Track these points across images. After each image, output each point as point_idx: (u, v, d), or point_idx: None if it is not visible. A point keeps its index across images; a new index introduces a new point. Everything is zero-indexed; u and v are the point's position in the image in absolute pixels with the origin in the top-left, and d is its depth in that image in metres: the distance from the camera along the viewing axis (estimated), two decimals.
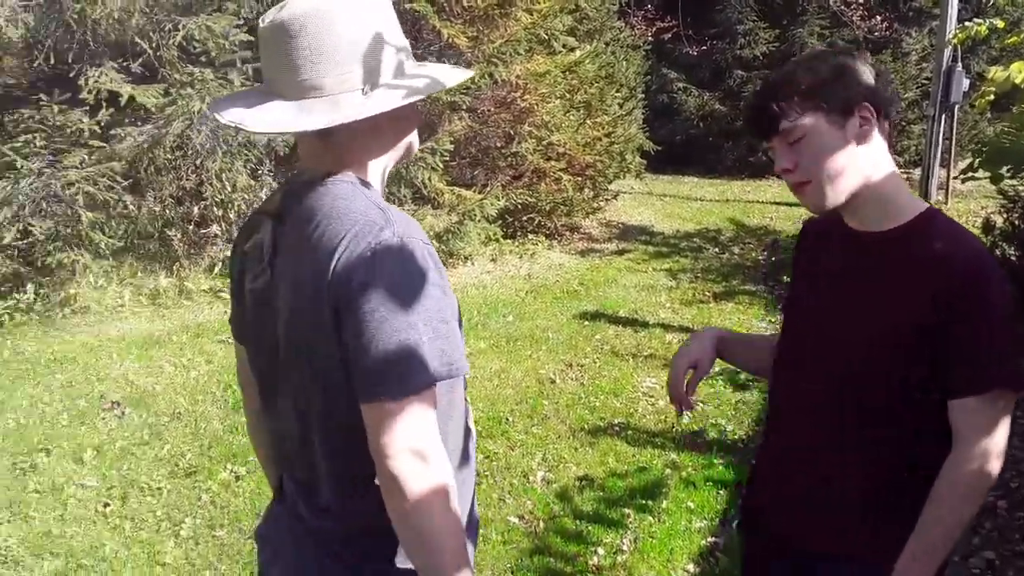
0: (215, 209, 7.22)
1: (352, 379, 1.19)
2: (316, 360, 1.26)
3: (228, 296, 5.95)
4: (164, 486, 3.85)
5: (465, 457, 1.43)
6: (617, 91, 10.59)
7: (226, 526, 3.54)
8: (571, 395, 4.93)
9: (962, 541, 1.48)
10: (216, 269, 7.09)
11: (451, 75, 1.38)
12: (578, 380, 5.18)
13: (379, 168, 1.37)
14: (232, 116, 1.31)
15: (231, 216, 7.30)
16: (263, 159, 7.38)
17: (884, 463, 1.52)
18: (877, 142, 1.48)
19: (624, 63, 11.15)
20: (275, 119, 1.32)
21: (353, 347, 1.18)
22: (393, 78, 1.32)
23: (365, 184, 1.31)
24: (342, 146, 1.32)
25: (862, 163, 1.47)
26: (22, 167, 6.00)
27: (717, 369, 5.17)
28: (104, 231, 6.63)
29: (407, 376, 1.15)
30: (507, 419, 4.57)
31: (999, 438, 1.42)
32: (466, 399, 1.47)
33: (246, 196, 7.27)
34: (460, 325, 1.40)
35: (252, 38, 7.00)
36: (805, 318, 1.65)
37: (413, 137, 1.41)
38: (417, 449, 1.16)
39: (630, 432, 4.42)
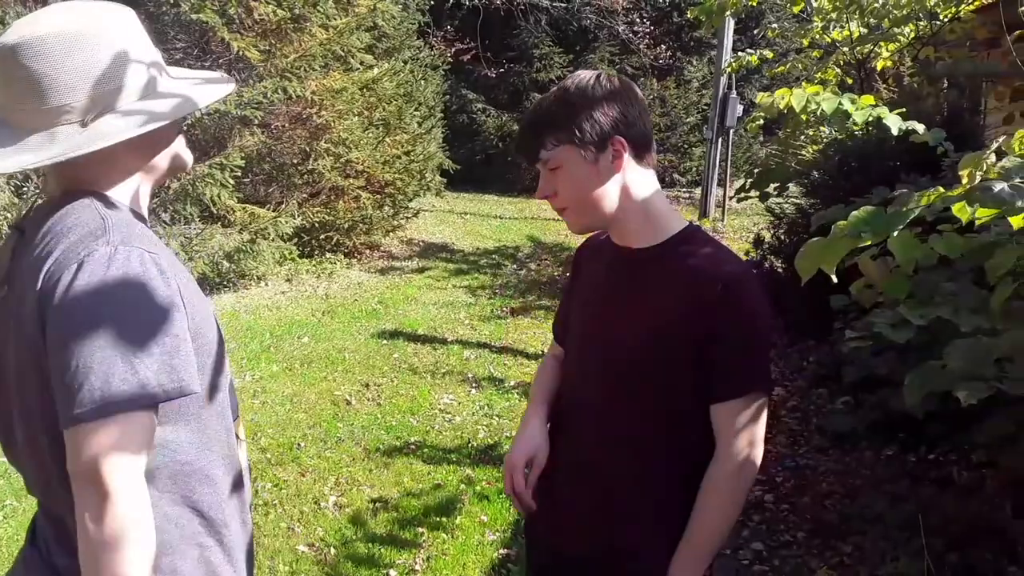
0: None
1: (60, 405, 1.07)
2: (40, 383, 1.14)
3: None
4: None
5: (236, 491, 1.33)
6: (416, 110, 10.64)
7: None
8: (367, 416, 4.83)
9: (731, 535, 1.55)
10: None
11: (205, 93, 1.30)
12: (375, 400, 5.09)
13: (129, 188, 1.27)
14: None
15: None
16: (29, 176, 6.78)
17: (656, 467, 1.56)
18: (631, 169, 1.53)
19: (423, 82, 11.22)
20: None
21: (54, 367, 1.07)
22: (135, 100, 1.23)
23: (106, 201, 1.21)
24: (75, 171, 1.23)
25: (616, 191, 1.53)
26: None
27: (512, 382, 5.27)
28: None
29: (105, 397, 1.04)
30: (299, 444, 4.41)
31: (757, 435, 1.51)
32: (237, 434, 1.37)
33: (8, 215, 6.64)
34: (220, 341, 1.31)
35: None
36: (579, 333, 1.69)
37: (172, 153, 1.31)
38: (102, 480, 1.04)
39: (426, 450, 4.38)
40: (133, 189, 1.28)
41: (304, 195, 8.78)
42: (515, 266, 9.04)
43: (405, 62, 10.69)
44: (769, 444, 1.55)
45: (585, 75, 1.54)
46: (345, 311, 7.12)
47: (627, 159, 1.52)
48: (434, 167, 10.88)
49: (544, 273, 8.68)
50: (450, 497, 3.86)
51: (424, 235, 10.61)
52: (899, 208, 1.53)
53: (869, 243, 1.52)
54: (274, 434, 4.52)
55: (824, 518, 3.57)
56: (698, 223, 1.65)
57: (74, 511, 1.14)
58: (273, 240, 7.74)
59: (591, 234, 1.81)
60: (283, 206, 8.36)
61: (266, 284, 7.93)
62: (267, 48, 7.96)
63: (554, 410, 1.74)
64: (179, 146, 1.33)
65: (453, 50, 13.91)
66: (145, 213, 1.31)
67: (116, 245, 1.11)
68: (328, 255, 8.88)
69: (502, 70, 14.46)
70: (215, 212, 7.71)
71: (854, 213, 1.52)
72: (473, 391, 5.25)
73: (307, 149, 8.58)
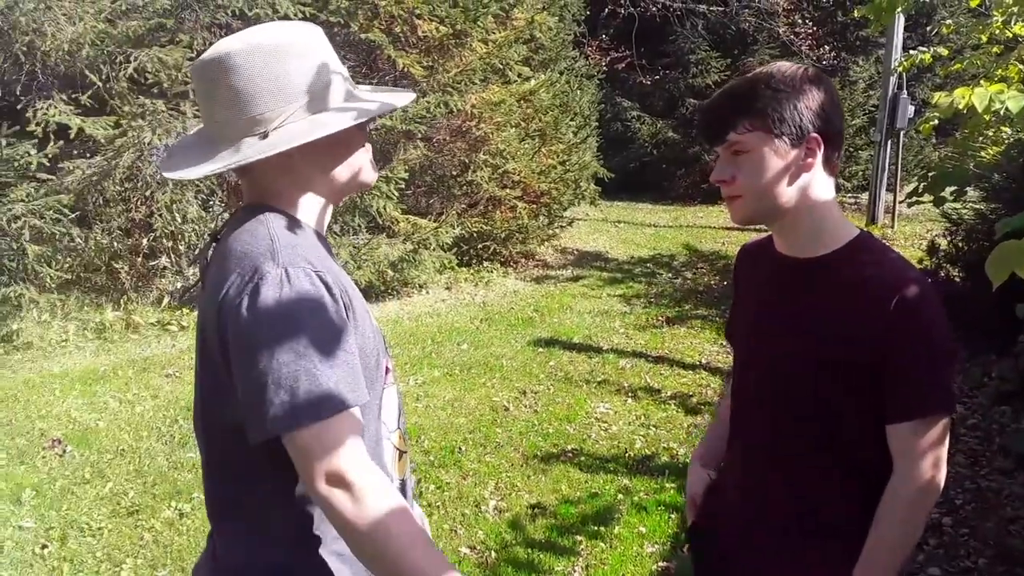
0: (164, 241, 7.13)
1: (250, 419, 1.16)
2: (209, 392, 1.27)
3: (176, 329, 5.82)
4: (105, 526, 3.76)
5: None
6: (571, 119, 10.71)
7: (168, 566, 3.46)
8: (524, 422, 4.91)
9: (908, 559, 1.49)
10: (164, 302, 7.00)
11: (383, 100, 1.37)
12: (532, 407, 5.17)
13: (307, 203, 1.35)
14: (179, 173, 1.33)
15: (180, 248, 7.23)
16: (215, 190, 7.32)
17: (828, 487, 1.53)
18: (818, 171, 1.48)
19: (578, 92, 11.27)
20: (175, 164, 1.33)
21: (245, 385, 1.17)
22: (319, 110, 1.30)
23: (286, 216, 1.30)
24: (259, 182, 1.33)
25: (797, 190, 1.47)
26: None
27: (669, 393, 5.22)
28: (51, 264, 6.52)
29: (312, 403, 1.13)
30: (460, 448, 4.54)
31: (938, 458, 1.44)
32: (397, 445, 1.43)
33: (196, 227, 7.20)
34: (386, 352, 1.39)
35: None
36: (743, 346, 1.67)
37: (353, 167, 1.37)
38: (338, 473, 1.13)
39: (583, 458, 4.41)
40: (311, 204, 1.35)
41: (463, 206, 9.03)
42: (670, 275, 8.94)
43: (561, 73, 10.80)
44: (948, 464, 1.48)
45: (789, 65, 1.50)
46: (502, 319, 7.27)
47: (818, 160, 1.47)
48: (589, 176, 10.91)
49: (700, 282, 8.54)
50: (607, 506, 3.87)
51: (579, 244, 10.66)
52: None
53: None
54: (436, 437, 4.68)
55: (1008, 544, 3.35)
56: (868, 231, 1.58)
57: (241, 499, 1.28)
58: (434, 250, 8.01)
59: (749, 242, 1.79)
60: (443, 216, 8.63)
61: (427, 292, 8.20)
62: (430, 64, 8.24)
63: (731, 422, 1.74)
64: (361, 160, 1.37)
65: (608, 59, 13.92)
66: (324, 228, 1.39)
67: (286, 266, 1.18)
68: (485, 264, 9.09)
69: (657, 77, 14.33)
70: (380, 223, 8.06)
71: None
72: (629, 400, 5.24)
73: (466, 161, 8.82)
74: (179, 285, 7.14)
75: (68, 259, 6.77)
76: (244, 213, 1.32)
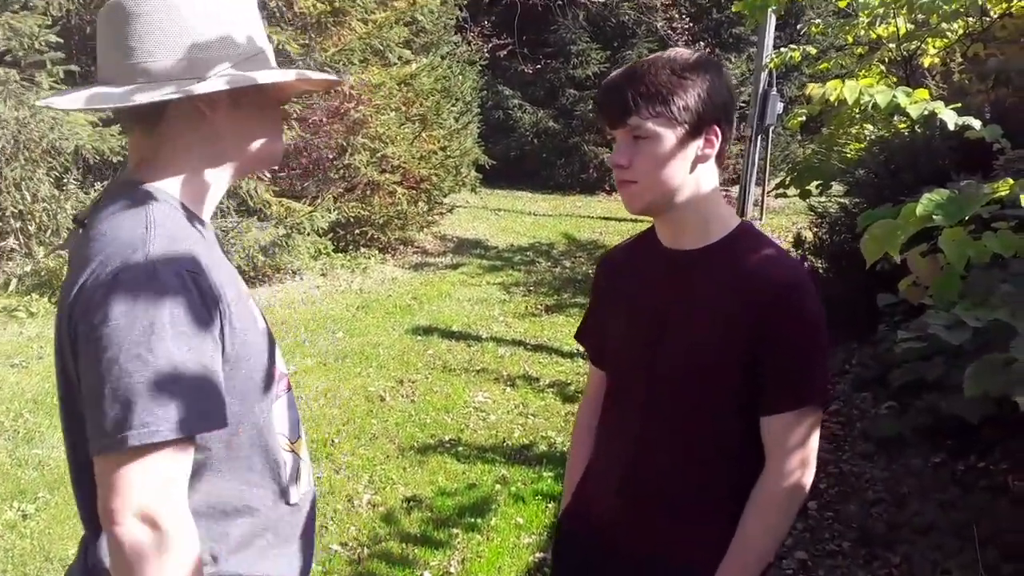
0: (12, 221, 6.61)
1: (89, 430, 1.02)
2: (68, 393, 1.10)
3: (24, 316, 5.39)
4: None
5: (287, 515, 1.27)
6: (453, 105, 10.59)
7: (9, 572, 3.17)
8: (401, 413, 4.79)
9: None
10: (12, 286, 6.49)
11: (309, 73, 1.25)
12: (409, 397, 5.05)
13: (210, 177, 1.20)
14: (48, 100, 1.17)
15: (30, 229, 6.72)
16: (69, 167, 6.84)
17: (704, 484, 1.50)
18: (710, 162, 1.45)
19: (460, 77, 11.16)
20: (79, 95, 1.16)
21: (85, 390, 1.03)
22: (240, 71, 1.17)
23: (170, 197, 1.15)
24: (162, 147, 1.17)
25: (692, 180, 1.43)
26: None
27: (547, 381, 5.20)
28: None
29: (139, 426, 0.98)
30: (332, 441, 4.38)
31: (810, 452, 1.43)
32: (295, 452, 1.29)
33: (48, 207, 6.72)
34: (271, 358, 1.25)
35: (62, 39, 6.51)
36: (620, 355, 1.61)
37: (272, 137, 1.25)
38: (146, 513, 0.99)
39: (461, 448, 4.33)
40: (208, 179, 1.21)
41: (340, 190, 8.77)
42: (549, 263, 8.96)
43: (443, 57, 10.65)
44: None
45: (689, 51, 1.44)
46: (379, 306, 7.10)
47: (715, 151, 1.43)
48: (470, 163, 10.82)
49: (579, 271, 8.59)
50: (485, 497, 3.80)
51: (458, 231, 10.57)
52: (971, 194, 1.45)
53: (939, 224, 1.43)
54: (308, 429, 4.49)
55: (871, 527, 3.46)
56: (749, 221, 1.55)
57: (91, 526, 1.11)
58: (308, 234, 7.75)
59: (611, 251, 1.74)
60: (319, 200, 8.36)
61: (301, 278, 7.94)
62: (306, 42, 7.95)
63: (602, 417, 1.68)
64: (278, 130, 1.26)
65: (490, 45, 13.85)
66: (208, 210, 1.23)
67: (155, 260, 1.04)
68: (363, 250, 8.88)
69: (539, 66, 14.37)
70: (251, 205, 7.72)
71: (927, 195, 1.44)
72: (508, 389, 5.19)
73: (344, 144, 8.57)
74: (28, 268, 6.63)
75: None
76: (120, 188, 1.16)
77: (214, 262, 1.13)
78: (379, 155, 8.76)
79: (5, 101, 5.92)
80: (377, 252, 8.96)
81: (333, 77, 1.29)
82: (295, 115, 7.83)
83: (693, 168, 1.42)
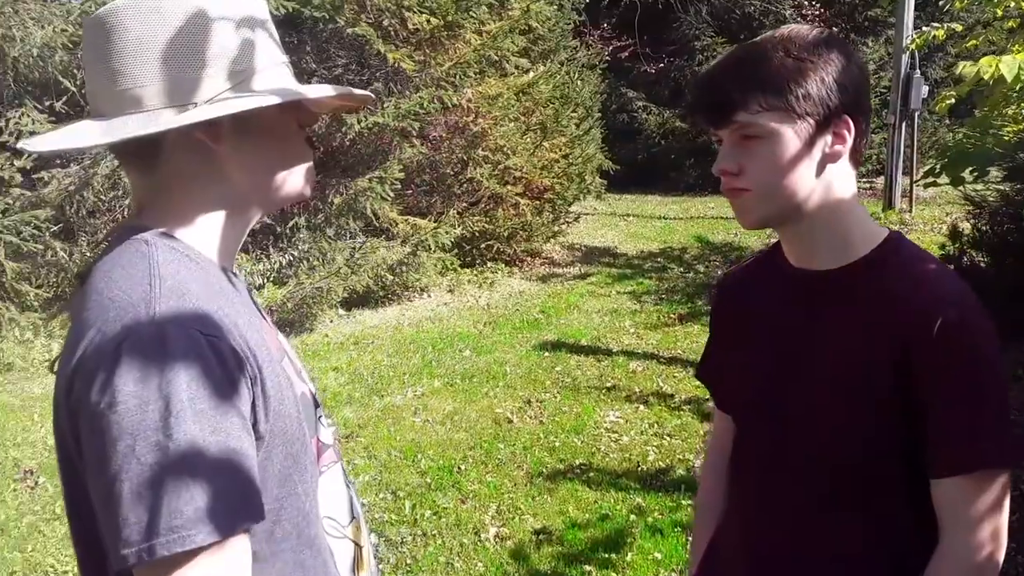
0: None
1: (106, 539, 0.84)
2: (69, 473, 0.93)
3: None
4: (72, 568, 3.45)
5: None
6: (573, 111, 10.37)
7: None
8: (529, 435, 4.58)
9: None
10: None
11: (318, 89, 1.05)
12: (537, 418, 4.84)
13: (224, 217, 1.02)
14: (26, 141, 1.00)
15: None
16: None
17: (842, 540, 1.21)
18: (844, 163, 1.16)
19: (580, 83, 10.93)
20: (56, 135, 1.00)
21: (95, 487, 0.84)
22: (222, 91, 0.98)
23: (179, 243, 0.97)
24: (163, 187, 0.99)
25: (820, 186, 1.15)
26: None
27: (683, 397, 4.88)
28: (31, 282, 6.23)
29: (166, 532, 0.79)
30: (459, 468, 4.21)
31: (998, 524, 1.11)
32: (353, 539, 1.11)
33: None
34: (320, 425, 1.06)
35: None
36: (744, 401, 1.33)
37: (291, 169, 1.05)
38: None
39: (592, 474, 4.08)
40: (222, 219, 1.02)
41: (464, 204, 8.71)
42: (682, 269, 8.59)
43: (561, 63, 10.44)
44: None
45: (806, 28, 1.15)
46: (506, 322, 6.94)
47: (847, 147, 1.15)
48: (594, 169, 10.58)
49: (713, 275, 8.18)
50: (619, 529, 3.54)
51: (585, 240, 10.32)
52: None
53: None
54: (434, 456, 4.35)
55: None
56: (899, 231, 1.23)
57: None
58: (434, 251, 7.68)
59: (728, 275, 1.45)
60: (443, 216, 8.31)
61: (429, 295, 7.89)
62: (422, 58, 7.91)
63: (729, 470, 1.41)
64: (302, 163, 1.06)
65: (610, 48, 13.56)
66: (234, 255, 1.05)
67: (163, 322, 0.85)
68: (489, 264, 8.77)
69: (662, 65, 13.98)
70: (377, 225, 7.74)
71: None
72: (641, 407, 4.90)
73: (464, 158, 8.50)
74: None
75: (52, 275, 6.47)
76: (120, 237, 0.98)
77: (239, 317, 0.94)
78: (500, 167, 8.63)
79: None
80: (503, 265, 8.83)
81: (349, 90, 1.07)
82: (415, 132, 7.78)
83: (821, 170, 1.14)
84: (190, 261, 0.96)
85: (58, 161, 6.59)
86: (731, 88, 1.13)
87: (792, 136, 1.12)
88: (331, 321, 7.04)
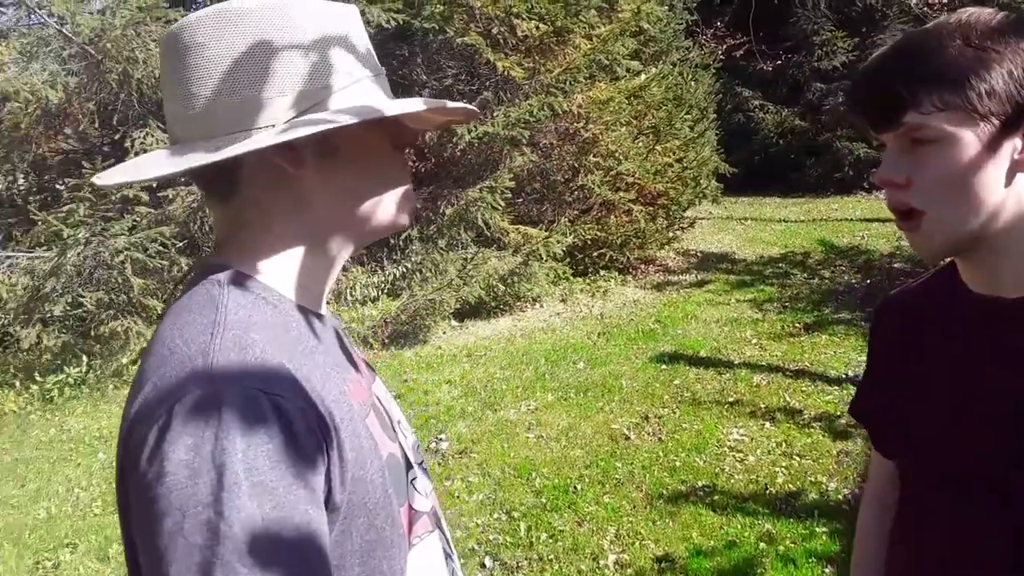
0: None
1: None
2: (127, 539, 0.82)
3: None
4: None
5: None
6: (687, 113, 10.07)
7: None
8: (648, 454, 4.39)
9: None
10: None
11: (401, 104, 0.91)
12: (656, 435, 4.63)
13: (303, 256, 0.90)
14: (99, 175, 0.91)
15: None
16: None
17: None
18: None
19: (693, 84, 10.61)
20: (120, 170, 0.91)
21: (144, 563, 0.73)
22: (292, 111, 0.86)
23: (256, 284, 0.86)
24: (242, 219, 0.89)
25: (1011, 202, 0.95)
26: (68, 237, 5.82)
27: (812, 414, 4.58)
28: (158, 296, 6.43)
29: None
30: (575, 487, 4.06)
31: None
32: None
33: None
34: (405, 493, 0.93)
35: None
36: (925, 432, 1.10)
37: (387, 195, 0.93)
38: None
39: (716, 497, 3.86)
40: (293, 261, 0.90)
41: (575, 212, 8.56)
42: (806, 275, 8.18)
43: (673, 64, 10.16)
44: None
45: (987, 12, 0.94)
46: (621, 332, 6.74)
47: None
48: (709, 172, 10.24)
49: (839, 280, 7.76)
50: (747, 558, 3.31)
51: (702, 245, 10.01)
52: None
53: None
54: (549, 474, 4.22)
55: None
56: None
57: None
58: (545, 260, 7.56)
59: (893, 295, 1.23)
60: (555, 225, 8.18)
61: (541, 306, 7.77)
62: (531, 65, 7.82)
63: (893, 530, 1.20)
64: (398, 186, 0.94)
65: (724, 47, 13.17)
66: (317, 294, 0.93)
67: (219, 379, 0.74)
68: (602, 272, 8.58)
69: (779, 62, 13.48)
70: (489, 235, 7.68)
71: None
72: (767, 424, 4.63)
73: (575, 165, 8.37)
74: None
75: (178, 290, 6.68)
76: (197, 276, 0.88)
77: (315, 370, 0.82)
78: (612, 173, 8.45)
79: None
80: (617, 274, 8.63)
81: (441, 103, 0.93)
82: (525, 140, 7.69)
83: (1010, 179, 0.94)
84: (266, 304, 0.85)
85: (182, 179, 6.81)
86: (899, 83, 0.94)
87: (973, 140, 0.92)
88: (444, 332, 7.01)
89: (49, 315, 6.04)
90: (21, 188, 7.70)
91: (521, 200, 8.37)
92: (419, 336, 6.78)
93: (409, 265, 7.29)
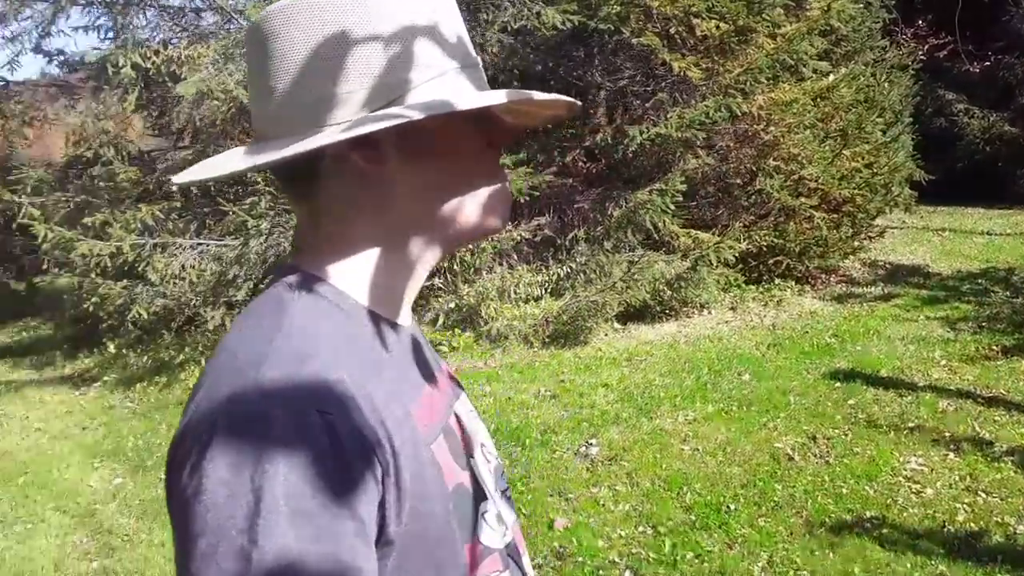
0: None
1: None
2: None
3: (446, 350, 5.57)
4: None
5: None
6: (879, 116, 9.44)
7: None
8: (812, 477, 4.09)
9: None
10: (439, 322, 6.92)
11: (479, 98, 0.82)
12: (822, 458, 4.32)
13: (383, 262, 0.83)
14: (177, 176, 0.88)
15: (455, 267, 7.14)
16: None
17: None
18: None
19: (887, 85, 9.93)
20: (196, 169, 0.88)
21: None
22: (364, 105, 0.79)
23: (330, 290, 0.80)
24: (321, 220, 0.83)
25: None
26: (251, 227, 6.16)
27: (1004, 447, 4.14)
28: None
29: None
30: (728, 506, 3.84)
31: None
32: None
33: (470, 247, 7.09)
34: (472, 528, 0.84)
35: None
36: None
37: (467, 205, 0.84)
38: None
39: (885, 530, 3.54)
40: (371, 267, 0.82)
41: (751, 217, 8.21)
42: (1008, 292, 7.43)
43: (866, 65, 9.55)
44: None
45: None
46: (793, 345, 6.38)
47: None
48: (902, 179, 9.56)
49: None
50: None
51: (891, 256, 9.35)
52: None
53: None
54: (701, 490, 4.02)
55: None
56: None
57: None
58: (716, 266, 7.28)
59: None
60: (728, 230, 7.88)
61: (709, 312, 7.49)
62: (709, 66, 7.56)
63: None
64: (489, 183, 0.85)
65: (926, 47, 12.25)
66: (398, 303, 0.86)
67: (269, 394, 0.67)
68: (777, 281, 8.17)
69: (987, 64, 12.41)
70: (657, 238, 7.49)
71: None
72: (950, 455, 4.21)
73: (754, 168, 8.02)
74: (451, 305, 7.04)
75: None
76: (275, 278, 0.84)
77: (380, 387, 0.74)
78: (794, 178, 8.03)
79: None
80: (793, 283, 8.20)
81: (527, 95, 0.82)
82: (699, 142, 7.44)
83: None
84: (337, 311, 0.78)
85: None
86: None
87: None
88: (605, 335, 6.89)
89: (234, 298, 6.41)
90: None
91: (694, 204, 8.12)
92: (579, 337, 6.69)
93: (574, 265, 7.21)
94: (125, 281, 6.45)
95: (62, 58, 8.40)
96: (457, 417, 0.91)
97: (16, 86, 8.21)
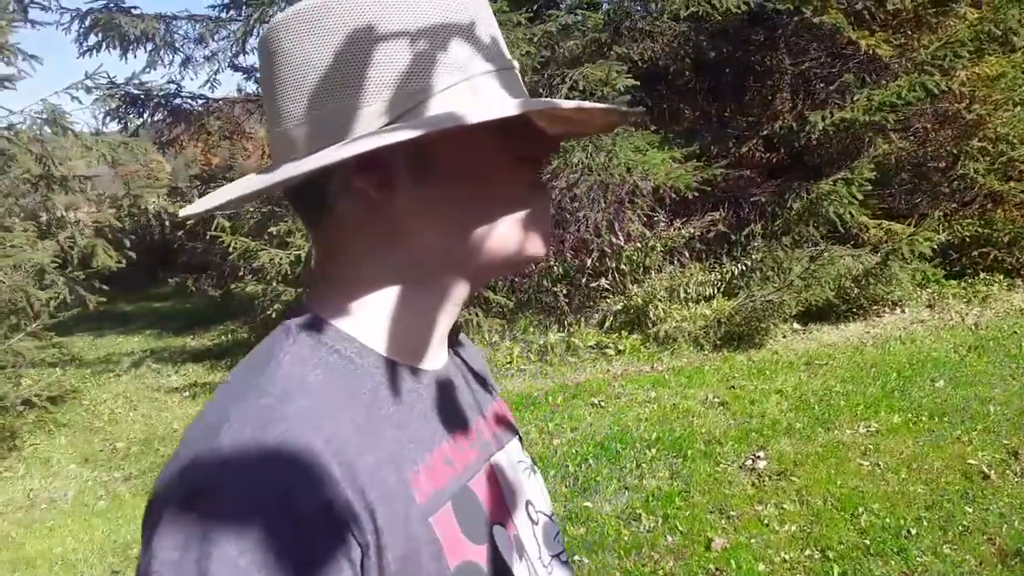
0: (607, 261, 6.98)
1: None
2: None
3: (612, 353, 5.49)
4: None
5: None
6: None
7: None
8: (1010, 499, 3.65)
9: None
10: (606, 324, 6.81)
11: (497, 108, 0.68)
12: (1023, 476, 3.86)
13: (398, 301, 0.74)
14: (185, 209, 0.84)
15: (624, 268, 7.00)
16: (655, 206, 6.98)
17: None
18: None
19: None
20: (203, 201, 0.83)
21: None
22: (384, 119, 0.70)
23: (336, 335, 0.72)
24: (330, 254, 0.76)
25: None
26: None
27: None
28: (495, 290, 6.74)
29: None
30: (908, 531, 3.49)
31: None
32: None
33: (638, 246, 6.92)
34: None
35: (636, 83, 6.61)
36: None
37: (495, 234, 0.73)
38: None
39: None
40: (386, 307, 0.73)
41: (953, 205, 7.51)
42: None
43: None
44: None
45: None
46: (998, 347, 5.75)
47: None
48: None
49: None
50: None
51: None
52: None
53: None
54: (880, 511, 3.68)
55: None
56: None
57: None
58: (910, 260, 6.70)
59: None
60: (925, 219, 7.24)
61: (902, 311, 6.91)
62: (901, 41, 6.97)
63: None
64: (523, 207, 0.74)
65: None
66: (421, 345, 0.76)
67: (224, 466, 0.61)
68: (983, 275, 7.42)
69: None
70: (843, 230, 6.99)
71: None
72: None
73: (955, 151, 7.33)
74: (618, 306, 6.91)
75: (519, 283, 6.95)
76: (286, 315, 0.77)
77: (376, 450, 0.66)
78: (1002, 160, 7.27)
79: (585, 148, 6.22)
80: (1003, 277, 7.41)
81: (552, 104, 0.69)
82: (890, 125, 6.87)
83: None
84: (338, 359, 0.70)
85: None
86: None
87: None
88: (783, 336, 6.51)
89: None
90: None
91: (888, 192, 7.53)
92: (754, 339, 6.35)
93: (749, 263, 6.88)
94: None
95: (257, 74, 8.99)
96: (495, 471, 0.81)
97: (215, 103, 8.83)
